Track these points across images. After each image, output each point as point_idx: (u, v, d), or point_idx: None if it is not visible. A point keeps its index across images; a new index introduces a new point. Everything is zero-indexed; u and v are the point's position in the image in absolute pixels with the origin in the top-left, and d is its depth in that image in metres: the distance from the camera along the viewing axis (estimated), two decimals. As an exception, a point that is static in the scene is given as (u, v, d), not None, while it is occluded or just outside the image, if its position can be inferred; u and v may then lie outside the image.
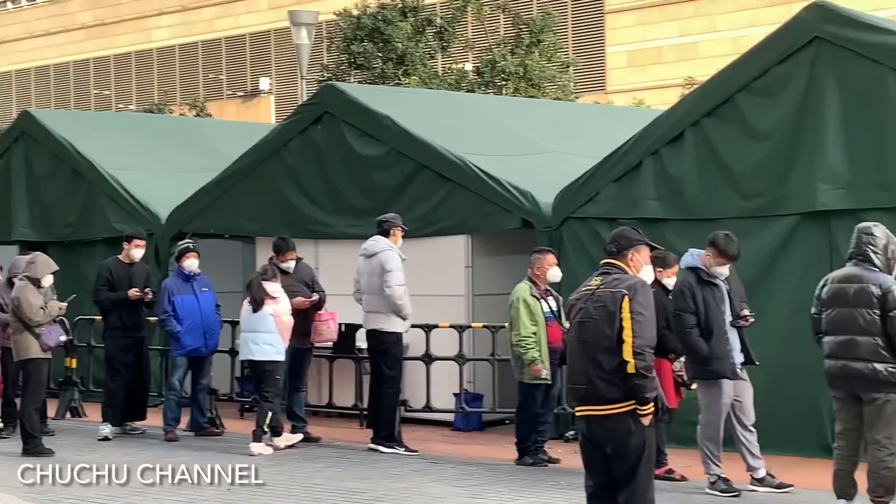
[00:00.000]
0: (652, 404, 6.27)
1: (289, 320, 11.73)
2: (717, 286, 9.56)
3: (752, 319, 9.67)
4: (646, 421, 6.29)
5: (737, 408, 9.52)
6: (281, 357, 11.69)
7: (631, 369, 6.20)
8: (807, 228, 10.98)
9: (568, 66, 26.62)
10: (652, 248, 6.60)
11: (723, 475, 9.45)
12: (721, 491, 9.39)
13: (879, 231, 8.41)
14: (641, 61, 33.38)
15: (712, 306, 9.47)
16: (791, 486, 9.47)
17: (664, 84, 31.03)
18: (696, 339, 9.42)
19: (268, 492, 9.17)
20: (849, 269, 8.48)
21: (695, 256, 9.66)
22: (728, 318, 9.56)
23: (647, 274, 6.54)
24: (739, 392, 9.55)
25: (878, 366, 8.19)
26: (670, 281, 9.86)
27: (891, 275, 8.31)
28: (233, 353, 13.49)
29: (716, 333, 9.43)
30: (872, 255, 8.32)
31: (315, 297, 12.38)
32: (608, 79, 33.70)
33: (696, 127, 11.63)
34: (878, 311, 8.19)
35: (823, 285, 8.60)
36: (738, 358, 9.57)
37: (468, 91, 23.05)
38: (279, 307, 11.66)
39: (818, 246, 10.82)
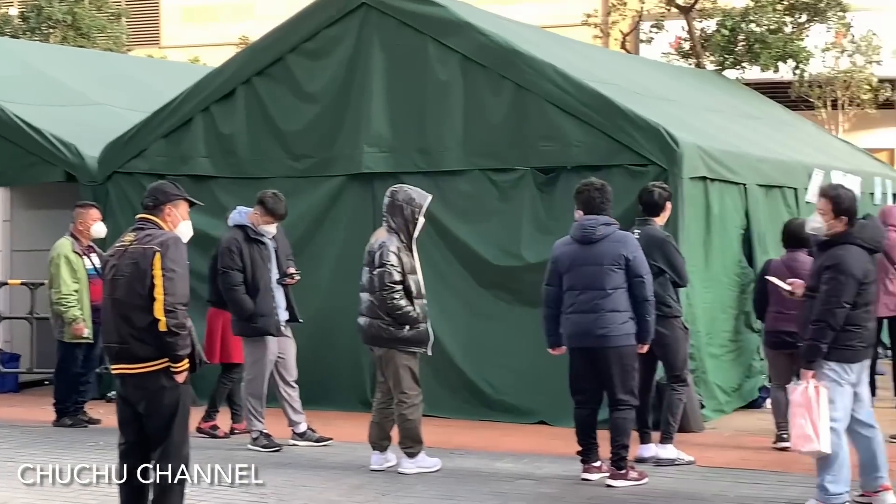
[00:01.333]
0: (186, 361, 6.26)
1: None
2: (265, 244, 9.64)
3: (297, 277, 9.84)
4: (180, 378, 6.27)
5: (280, 364, 9.66)
6: None
7: (163, 327, 6.15)
8: (352, 190, 11.29)
9: (119, 17, 25.82)
10: (191, 204, 6.54)
11: (265, 431, 9.58)
12: (263, 446, 9.51)
13: (400, 195, 8.68)
14: (197, 18, 32.98)
15: (259, 264, 9.55)
16: (331, 439, 9.74)
17: (220, 42, 30.80)
18: (242, 297, 9.47)
19: None
20: (379, 230, 8.81)
21: (242, 214, 9.69)
22: (275, 275, 9.68)
23: (184, 230, 6.47)
24: (283, 349, 9.70)
25: (373, 321, 8.59)
26: None
27: (413, 235, 8.67)
28: None
29: (262, 291, 9.52)
30: (390, 217, 8.65)
31: None
32: (162, 33, 33.03)
33: (247, 85, 11.66)
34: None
35: None
36: (283, 315, 9.70)
37: (12, 37, 21.82)
38: None
39: (362, 207, 11.16)
